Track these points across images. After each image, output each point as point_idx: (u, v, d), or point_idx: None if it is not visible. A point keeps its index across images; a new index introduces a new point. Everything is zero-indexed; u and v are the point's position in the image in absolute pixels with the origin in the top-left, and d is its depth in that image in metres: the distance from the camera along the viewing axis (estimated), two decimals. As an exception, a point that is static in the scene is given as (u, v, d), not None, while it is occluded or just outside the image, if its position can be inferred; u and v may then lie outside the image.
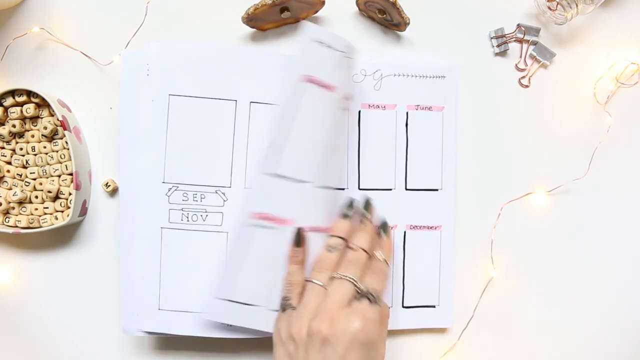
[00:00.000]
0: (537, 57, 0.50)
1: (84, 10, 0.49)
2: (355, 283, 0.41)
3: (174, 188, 0.45)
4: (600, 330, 0.50)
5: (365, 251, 0.43)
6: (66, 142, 0.46)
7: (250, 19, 0.47)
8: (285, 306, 0.42)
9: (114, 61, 0.48)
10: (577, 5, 0.48)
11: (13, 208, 0.47)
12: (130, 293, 0.45)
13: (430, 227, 0.48)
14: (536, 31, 0.51)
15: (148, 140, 0.45)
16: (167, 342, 0.48)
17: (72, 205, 0.45)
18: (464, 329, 0.49)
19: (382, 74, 0.48)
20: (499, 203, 0.50)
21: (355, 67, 0.47)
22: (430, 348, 0.49)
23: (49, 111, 0.47)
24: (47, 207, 0.47)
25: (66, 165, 0.47)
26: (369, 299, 0.40)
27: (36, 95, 0.46)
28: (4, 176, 0.47)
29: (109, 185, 0.48)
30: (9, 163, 0.47)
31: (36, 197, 0.47)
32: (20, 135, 0.47)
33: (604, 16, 0.51)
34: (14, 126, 0.46)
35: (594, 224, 0.51)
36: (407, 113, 0.48)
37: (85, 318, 0.48)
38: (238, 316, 0.43)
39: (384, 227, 0.45)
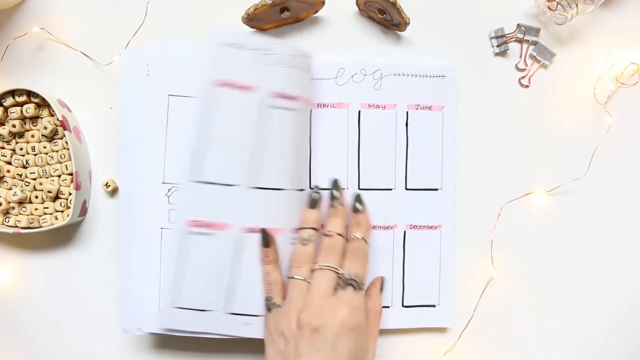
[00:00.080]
0: (537, 57, 0.50)
1: (84, 10, 0.49)
2: (336, 270, 0.41)
3: (174, 188, 0.45)
4: (600, 330, 0.50)
5: (341, 235, 0.43)
6: (66, 142, 0.46)
7: (250, 19, 0.47)
8: (270, 306, 0.42)
9: (114, 61, 0.48)
10: (577, 5, 0.48)
11: (13, 208, 0.47)
12: (130, 293, 0.45)
13: (430, 227, 0.48)
14: (536, 31, 0.51)
15: (148, 140, 0.45)
16: (167, 342, 0.48)
17: (72, 205, 0.45)
18: (464, 329, 0.49)
19: (382, 74, 0.48)
20: (499, 203, 0.50)
21: (298, 62, 0.45)
22: (430, 348, 0.49)
23: (49, 111, 0.47)
24: (47, 207, 0.47)
25: (66, 165, 0.47)
26: (353, 286, 0.41)
27: (36, 95, 0.46)
28: (4, 176, 0.47)
29: (109, 185, 0.48)
30: (9, 163, 0.47)
31: (36, 197, 0.47)
32: (20, 135, 0.47)
33: (604, 16, 0.51)
34: (14, 126, 0.46)
35: (594, 224, 0.51)
36: (407, 113, 0.48)
37: (85, 318, 0.48)
38: (194, 322, 0.43)
39: (358, 201, 0.45)
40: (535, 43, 0.51)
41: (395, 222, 0.48)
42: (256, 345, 0.47)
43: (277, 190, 0.44)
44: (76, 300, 0.48)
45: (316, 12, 0.49)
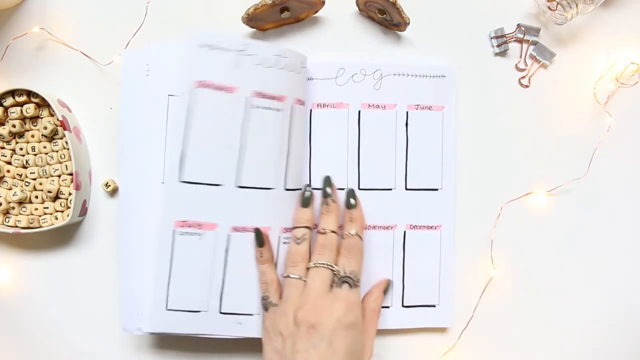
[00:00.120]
0: (537, 57, 0.50)
1: (84, 10, 0.49)
2: (331, 268, 0.42)
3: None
4: (600, 330, 0.50)
5: (335, 232, 0.43)
6: (66, 142, 0.46)
7: (250, 19, 0.47)
8: (266, 305, 0.43)
9: (114, 61, 0.48)
10: (577, 5, 0.48)
11: (13, 208, 0.47)
12: (130, 293, 0.45)
13: (430, 227, 0.48)
14: (536, 31, 0.51)
15: (148, 140, 0.45)
16: (167, 341, 0.48)
17: (72, 205, 0.45)
18: (464, 329, 0.49)
19: (382, 74, 0.48)
20: (499, 203, 0.50)
21: (283, 62, 0.45)
22: (430, 348, 0.49)
23: (49, 111, 0.47)
24: (47, 207, 0.47)
25: (66, 165, 0.47)
26: (348, 283, 0.41)
27: (36, 95, 0.46)
28: (4, 176, 0.47)
29: (109, 185, 0.48)
30: (9, 163, 0.47)
31: (36, 197, 0.47)
32: (20, 135, 0.47)
33: (604, 16, 0.51)
34: (14, 126, 0.46)
35: (594, 224, 0.51)
36: (407, 113, 0.48)
37: (85, 318, 0.48)
38: (184, 324, 0.43)
39: (352, 196, 0.45)
40: (535, 43, 0.51)
41: (395, 222, 0.48)
42: (255, 345, 0.47)
43: (263, 190, 0.44)
44: (76, 300, 0.48)
45: (316, 12, 0.49)
